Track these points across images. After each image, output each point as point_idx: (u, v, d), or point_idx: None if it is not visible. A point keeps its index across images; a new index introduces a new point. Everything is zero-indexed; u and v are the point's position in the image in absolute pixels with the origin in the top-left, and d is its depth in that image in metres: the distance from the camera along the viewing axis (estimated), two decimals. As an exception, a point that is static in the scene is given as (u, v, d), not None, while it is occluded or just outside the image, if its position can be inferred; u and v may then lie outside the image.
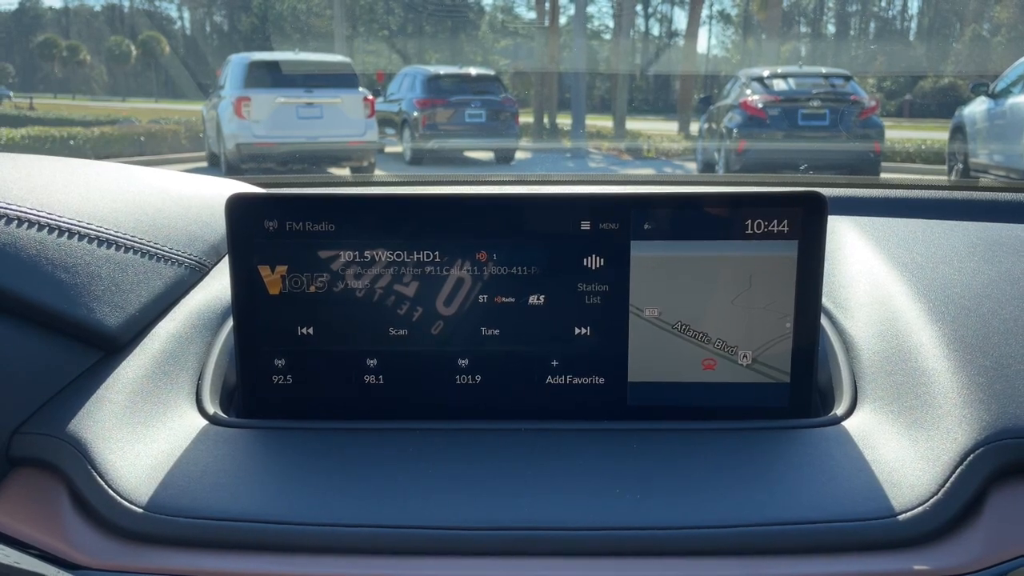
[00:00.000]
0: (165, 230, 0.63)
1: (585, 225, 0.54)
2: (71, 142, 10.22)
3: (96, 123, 12.90)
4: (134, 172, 0.70)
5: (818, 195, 0.53)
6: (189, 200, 0.69)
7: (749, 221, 0.53)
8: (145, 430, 0.51)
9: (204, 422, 0.54)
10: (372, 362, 0.56)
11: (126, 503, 0.46)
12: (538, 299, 0.55)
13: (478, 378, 0.56)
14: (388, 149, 10.26)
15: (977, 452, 0.47)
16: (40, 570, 0.45)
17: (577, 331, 0.55)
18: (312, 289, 0.55)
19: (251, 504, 0.46)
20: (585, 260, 0.54)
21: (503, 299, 0.55)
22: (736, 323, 0.55)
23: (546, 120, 17.45)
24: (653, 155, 11.37)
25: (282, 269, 0.55)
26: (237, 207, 0.54)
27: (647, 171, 9.88)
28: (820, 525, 0.44)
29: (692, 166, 9.59)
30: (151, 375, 0.55)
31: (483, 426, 0.54)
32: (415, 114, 9.67)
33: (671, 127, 16.63)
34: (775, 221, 0.53)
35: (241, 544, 0.45)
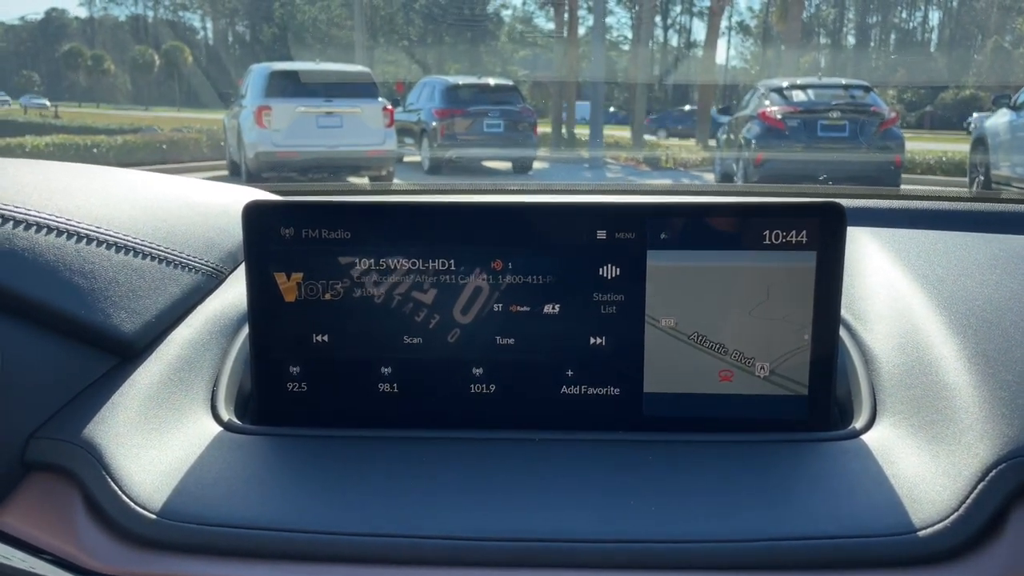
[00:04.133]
0: (182, 236, 0.63)
1: (601, 234, 0.54)
2: (94, 150, 10.36)
3: (119, 131, 13.06)
4: (152, 179, 0.71)
5: (837, 205, 0.52)
6: (206, 207, 0.70)
7: (767, 231, 0.53)
8: (160, 436, 0.51)
9: (219, 429, 0.54)
10: (387, 370, 0.56)
11: (140, 509, 0.46)
12: (553, 308, 0.54)
13: (493, 387, 0.55)
14: (407, 159, 10.31)
15: (999, 468, 0.46)
16: (53, 575, 0.45)
17: (593, 341, 0.55)
18: (328, 297, 0.55)
19: (265, 512, 0.46)
20: (601, 269, 0.54)
21: (518, 308, 0.54)
22: (753, 334, 0.54)
23: (564, 130, 17.48)
24: (671, 166, 11.36)
25: (298, 276, 0.55)
26: (254, 214, 0.54)
27: (665, 182, 9.86)
28: (838, 540, 0.44)
29: (710, 177, 9.57)
30: (167, 381, 0.55)
31: (497, 436, 0.54)
32: (434, 124, 9.72)
33: (688, 138, 16.60)
34: (793, 231, 0.53)
35: (254, 552, 0.44)
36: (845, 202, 0.54)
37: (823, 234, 0.53)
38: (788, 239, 0.53)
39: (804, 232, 0.53)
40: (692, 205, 0.54)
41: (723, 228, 0.53)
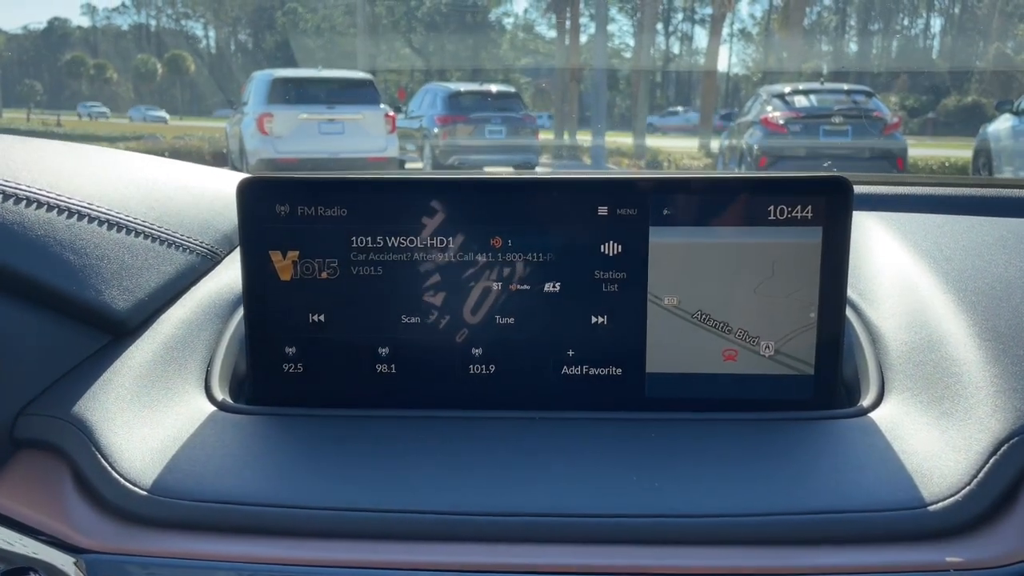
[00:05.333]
0: (177, 217, 0.62)
1: (602, 210, 0.53)
2: (97, 157, 10.37)
3: (122, 139, 13.12)
4: (147, 160, 0.70)
5: (843, 180, 0.51)
6: (202, 190, 0.69)
7: (772, 207, 0.52)
8: (152, 414, 0.50)
9: (212, 408, 0.53)
10: (384, 351, 0.54)
11: (131, 486, 0.45)
12: (554, 287, 0.53)
13: (492, 367, 0.54)
14: (408, 165, 10.32)
15: (1011, 442, 0.45)
16: (42, 554, 0.44)
17: (594, 320, 0.54)
18: (324, 276, 0.54)
19: (257, 488, 0.45)
20: (602, 246, 0.53)
21: (518, 286, 0.53)
22: (758, 312, 0.53)
23: (566, 137, 17.51)
24: (673, 171, 11.35)
25: (293, 255, 0.54)
26: (249, 190, 0.53)
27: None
28: (848, 515, 0.42)
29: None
30: (160, 360, 0.54)
31: (496, 415, 0.53)
32: (436, 131, 9.71)
33: (691, 144, 16.61)
34: (799, 207, 0.52)
35: (246, 527, 0.43)
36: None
37: (829, 209, 0.52)
38: (794, 214, 0.52)
39: (810, 207, 0.52)
40: (696, 179, 0.53)
41: (727, 204, 0.52)
